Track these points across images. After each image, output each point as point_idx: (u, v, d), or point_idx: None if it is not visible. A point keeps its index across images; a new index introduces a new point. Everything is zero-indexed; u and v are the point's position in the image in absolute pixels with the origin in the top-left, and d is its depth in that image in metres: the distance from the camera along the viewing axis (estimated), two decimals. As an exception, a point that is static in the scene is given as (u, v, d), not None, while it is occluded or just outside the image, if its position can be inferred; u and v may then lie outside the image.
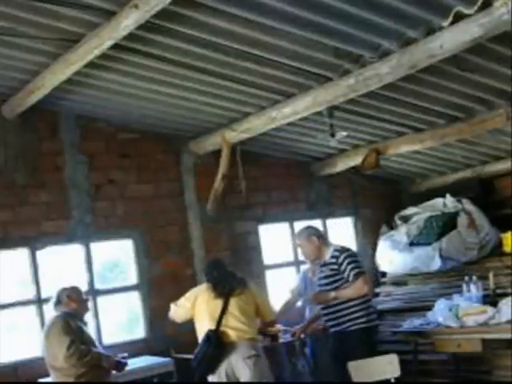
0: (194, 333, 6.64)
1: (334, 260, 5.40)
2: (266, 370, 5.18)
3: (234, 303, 5.22)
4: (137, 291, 6.63)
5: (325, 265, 5.49)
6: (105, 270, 6.82)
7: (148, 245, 6.68)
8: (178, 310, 5.50)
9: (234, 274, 5.41)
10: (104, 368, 5.13)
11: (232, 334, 5.15)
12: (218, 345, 5.10)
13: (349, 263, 5.34)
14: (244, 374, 5.06)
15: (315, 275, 6.25)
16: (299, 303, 6.59)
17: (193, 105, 6.10)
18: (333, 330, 5.43)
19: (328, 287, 5.42)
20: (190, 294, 5.45)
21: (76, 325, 5.10)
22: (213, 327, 5.19)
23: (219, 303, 5.24)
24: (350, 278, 5.30)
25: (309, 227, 5.77)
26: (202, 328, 5.28)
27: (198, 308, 5.34)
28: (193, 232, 6.95)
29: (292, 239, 5.70)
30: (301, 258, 7.06)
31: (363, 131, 6.75)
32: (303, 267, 6.71)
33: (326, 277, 5.44)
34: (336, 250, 5.46)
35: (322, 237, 5.66)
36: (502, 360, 5.82)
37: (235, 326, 5.16)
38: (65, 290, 5.28)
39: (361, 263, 5.54)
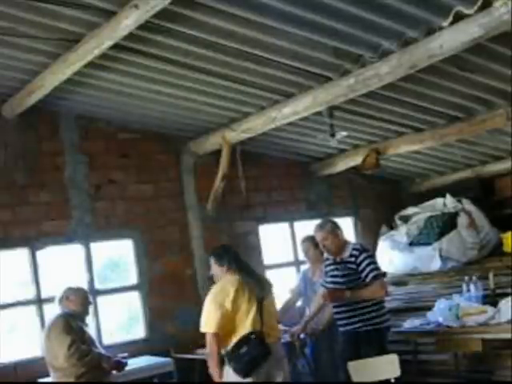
0: (194, 333, 6.64)
1: (352, 259, 5.26)
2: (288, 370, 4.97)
3: (266, 302, 4.79)
4: (137, 291, 6.63)
5: (341, 262, 5.33)
6: (105, 270, 6.82)
7: (148, 245, 6.68)
8: (220, 326, 4.62)
9: (257, 272, 5.05)
10: (104, 369, 5.13)
11: (271, 334, 4.78)
12: (264, 346, 4.64)
13: (368, 264, 5.22)
14: (278, 375, 4.71)
15: (315, 275, 6.24)
16: (299, 303, 6.58)
17: (193, 105, 6.10)
18: (344, 329, 5.35)
19: (343, 286, 5.28)
20: (224, 297, 4.65)
21: (77, 325, 5.10)
22: (256, 327, 4.63)
23: (255, 301, 4.71)
24: (368, 279, 5.19)
25: (330, 221, 5.60)
26: (242, 327, 4.64)
27: (238, 307, 4.65)
28: (193, 232, 6.95)
29: (315, 231, 5.49)
30: (301, 257, 7.07)
31: (363, 131, 6.75)
32: (303, 267, 6.69)
33: (342, 275, 5.29)
34: (355, 249, 5.33)
35: (342, 232, 5.50)
36: (502, 360, 5.81)
37: (273, 326, 4.82)
38: (69, 289, 5.29)
39: (379, 265, 5.46)
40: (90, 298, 5.45)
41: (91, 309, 5.59)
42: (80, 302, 5.24)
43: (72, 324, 5.06)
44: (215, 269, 4.91)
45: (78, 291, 5.31)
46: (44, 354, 5.15)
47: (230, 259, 4.85)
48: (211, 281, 5.03)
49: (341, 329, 5.39)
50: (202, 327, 4.69)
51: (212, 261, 4.93)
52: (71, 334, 4.99)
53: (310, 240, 6.25)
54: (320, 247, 5.56)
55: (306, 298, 6.35)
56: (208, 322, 4.66)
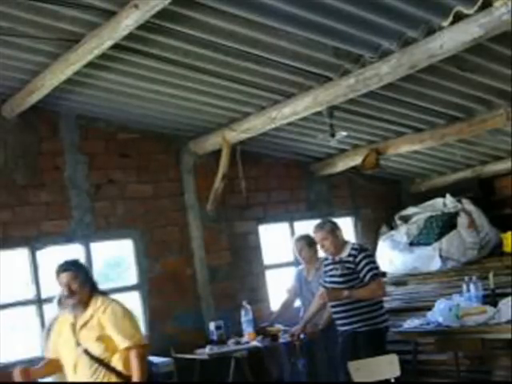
0: (194, 333, 6.67)
1: (351, 258, 5.26)
2: None
3: None
4: (137, 291, 6.62)
5: (340, 262, 5.32)
6: (105, 270, 6.82)
7: (148, 245, 6.68)
8: None
9: None
10: None
11: None
12: None
13: (367, 263, 5.22)
14: None
15: (310, 274, 6.26)
16: (297, 303, 6.58)
17: (193, 105, 6.10)
18: (343, 329, 5.36)
19: (342, 285, 5.27)
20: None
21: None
22: None
23: None
24: (366, 279, 5.18)
25: (330, 221, 5.60)
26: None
27: None
28: (193, 232, 6.95)
29: (315, 230, 5.46)
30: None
31: (363, 131, 6.75)
32: (299, 267, 6.66)
33: (340, 275, 5.28)
34: (354, 249, 5.33)
35: (342, 232, 5.49)
36: (501, 360, 5.81)
37: None
38: None
39: (378, 265, 5.45)
40: None
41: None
42: None
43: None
44: (75, 285, 3.97)
45: None
46: (44, 353, 5.15)
47: (91, 277, 4.14)
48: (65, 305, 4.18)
49: (340, 329, 5.39)
50: (133, 339, 3.88)
51: (73, 276, 3.98)
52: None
53: (304, 239, 6.28)
54: (319, 246, 5.55)
55: (303, 298, 6.36)
56: (138, 332, 4.00)
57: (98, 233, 6.46)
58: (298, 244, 6.33)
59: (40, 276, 6.09)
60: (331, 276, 5.41)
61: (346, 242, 5.45)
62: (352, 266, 5.26)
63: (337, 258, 5.38)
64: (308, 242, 6.26)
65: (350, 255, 5.30)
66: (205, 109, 6.20)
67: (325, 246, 5.40)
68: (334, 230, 5.40)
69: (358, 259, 5.25)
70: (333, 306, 5.41)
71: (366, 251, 5.40)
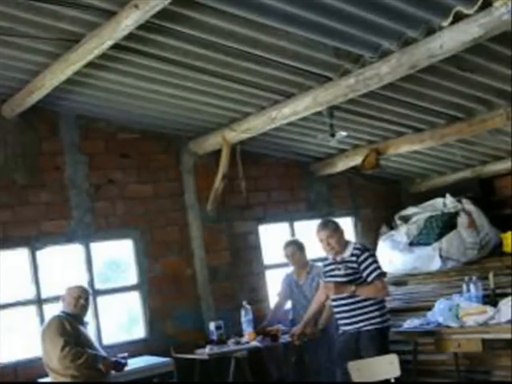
0: (194, 333, 6.67)
1: (354, 258, 5.27)
2: None
3: None
4: (137, 291, 6.62)
5: (342, 262, 5.33)
6: (105, 270, 6.82)
7: (148, 245, 6.68)
8: None
9: None
10: (100, 370, 5.09)
11: None
12: None
13: (371, 263, 5.23)
14: None
15: (301, 278, 6.26)
16: (288, 305, 6.59)
17: (193, 105, 6.10)
18: (345, 328, 5.36)
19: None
20: None
21: (73, 326, 5.07)
22: None
23: None
24: (370, 279, 5.20)
25: (332, 220, 5.62)
26: None
27: None
28: (193, 232, 6.95)
29: (318, 230, 5.42)
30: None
31: (363, 131, 6.75)
32: (288, 271, 6.64)
33: (344, 275, 5.28)
34: (357, 249, 5.34)
35: (343, 232, 5.51)
36: (501, 360, 5.81)
37: None
38: (66, 289, 5.29)
39: (380, 264, 5.47)
40: (84, 298, 5.32)
41: (90, 309, 5.57)
42: (71, 303, 5.21)
43: (66, 325, 5.03)
44: None
45: (70, 291, 5.28)
46: (42, 354, 5.15)
47: None
48: None
49: (342, 328, 5.39)
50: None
51: None
52: (64, 335, 4.96)
53: (294, 244, 6.32)
54: (323, 245, 5.50)
55: (295, 301, 6.36)
56: None
57: (98, 233, 6.46)
58: (289, 249, 6.34)
59: (40, 276, 6.08)
60: (333, 276, 5.39)
61: (347, 242, 5.46)
62: (355, 265, 5.26)
63: (338, 258, 5.37)
64: (298, 247, 6.28)
65: (352, 255, 5.30)
66: (205, 109, 6.20)
67: (330, 245, 5.37)
68: (338, 228, 5.42)
69: (361, 259, 5.26)
70: (335, 306, 5.41)
71: (369, 251, 5.42)
